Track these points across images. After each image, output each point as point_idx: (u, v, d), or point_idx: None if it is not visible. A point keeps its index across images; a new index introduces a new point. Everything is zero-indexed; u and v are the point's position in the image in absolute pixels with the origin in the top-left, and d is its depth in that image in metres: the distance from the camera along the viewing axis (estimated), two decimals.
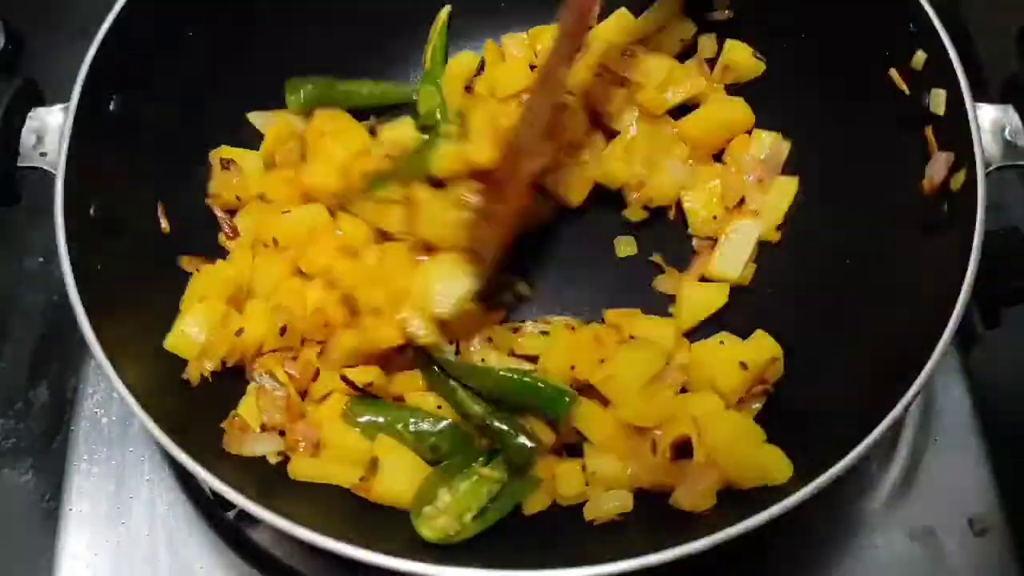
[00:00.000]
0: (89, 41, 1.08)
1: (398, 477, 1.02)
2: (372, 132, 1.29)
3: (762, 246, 1.24)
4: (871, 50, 1.16)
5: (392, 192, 1.16)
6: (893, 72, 1.12)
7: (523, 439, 1.03)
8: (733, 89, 1.30)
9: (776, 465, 0.98)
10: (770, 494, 0.90)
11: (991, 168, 1.03)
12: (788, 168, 1.26)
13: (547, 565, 0.86)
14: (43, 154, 1.08)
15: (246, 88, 1.27)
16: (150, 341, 1.06)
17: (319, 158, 1.23)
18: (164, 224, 1.16)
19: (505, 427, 1.04)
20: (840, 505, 1.13)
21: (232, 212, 1.23)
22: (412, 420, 1.06)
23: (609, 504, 1.03)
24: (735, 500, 0.98)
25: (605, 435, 1.06)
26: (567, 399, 1.04)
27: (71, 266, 0.99)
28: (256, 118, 1.29)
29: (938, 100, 1.07)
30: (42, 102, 1.12)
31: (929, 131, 1.08)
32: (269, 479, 1.02)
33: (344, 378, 1.06)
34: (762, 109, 1.29)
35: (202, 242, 1.19)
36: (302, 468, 1.04)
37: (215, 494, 1.03)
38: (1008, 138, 1.05)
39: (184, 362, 1.07)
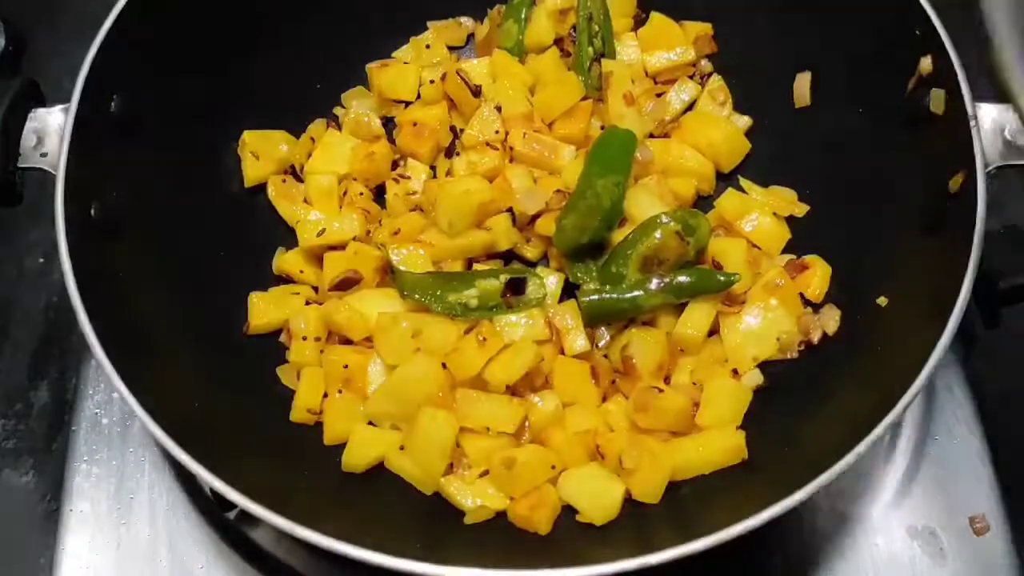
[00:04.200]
0: (90, 42, 1.08)
1: None
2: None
3: None
4: (876, 58, 1.16)
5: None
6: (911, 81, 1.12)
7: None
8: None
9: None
10: (771, 494, 0.90)
11: (991, 168, 1.03)
12: (791, 176, 1.27)
13: (546, 565, 0.87)
14: (43, 155, 1.08)
15: (247, 87, 1.27)
16: (150, 340, 1.06)
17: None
18: None
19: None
20: (840, 505, 1.13)
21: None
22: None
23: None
24: (734, 500, 0.98)
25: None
26: None
27: (71, 266, 0.99)
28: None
29: (938, 100, 1.07)
30: (43, 103, 1.12)
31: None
32: (270, 479, 1.02)
33: None
34: (762, 122, 1.31)
35: (204, 240, 1.20)
36: None
37: (215, 494, 1.03)
38: (1008, 138, 1.05)
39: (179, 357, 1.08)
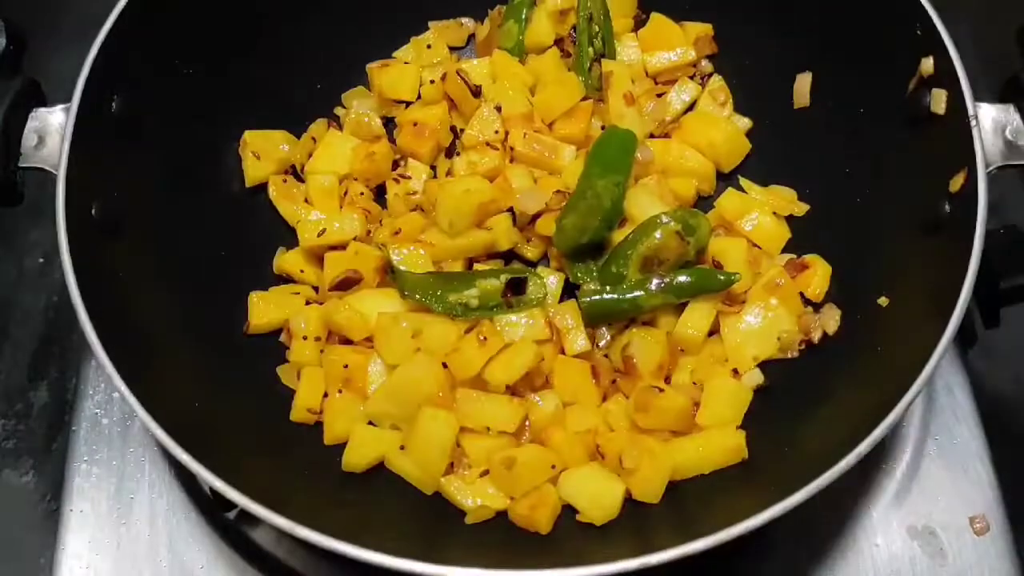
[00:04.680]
0: (91, 41, 1.09)
1: None
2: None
3: None
4: (876, 58, 1.16)
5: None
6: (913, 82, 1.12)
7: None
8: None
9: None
10: (771, 494, 0.90)
11: (992, 168, 1.03)
12: (791, 176, 1.27)
13: (546, 565, 0.87)
14: (44, 155, 1.08)
15: (248, 87, 1.28)
16: (151, 340, 1.06)
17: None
18: None
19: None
20: (840, 505, 1.13)
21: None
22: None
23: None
24: (735, 499, 0.98)
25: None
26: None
27: (72, 266, 0.99)
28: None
29: (939, 100, 1.07)
30: (43, 102, 1.12)
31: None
32: (270, 479, 1.02)
33: None
34: (762, 122, 1.31)
35: (204, 240, 1.20)
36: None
37: (215, 494, 1.03)
38: (1009, 138, 1.05)
39: (179, 357, 1.08)
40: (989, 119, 1.06)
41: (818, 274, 1.17)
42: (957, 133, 1.04)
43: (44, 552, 1.16)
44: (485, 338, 1.08)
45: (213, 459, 0.93)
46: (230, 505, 1.00)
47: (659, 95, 1.32)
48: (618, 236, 1.16)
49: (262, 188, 1.28)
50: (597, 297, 1.13)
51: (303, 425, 1.13)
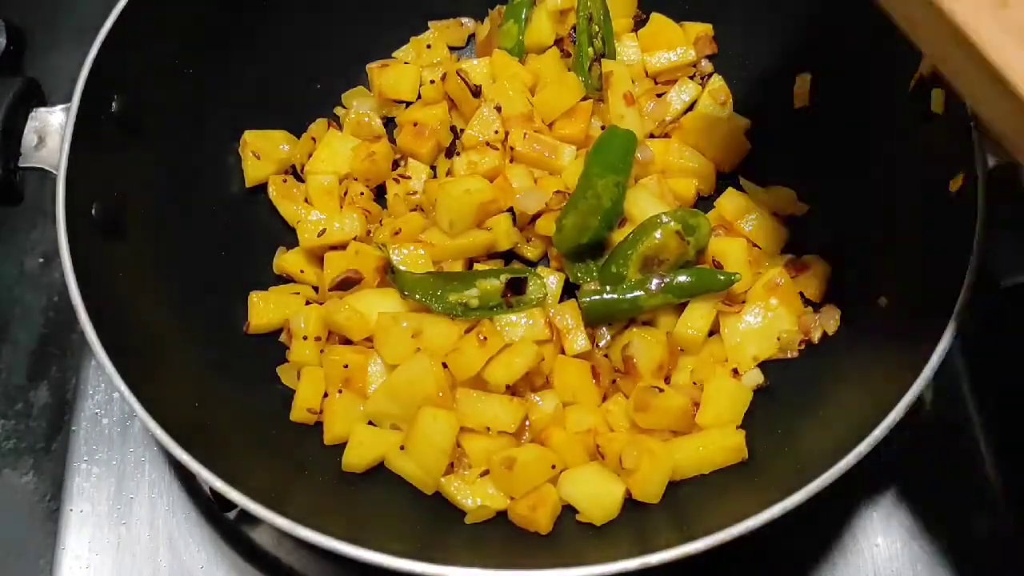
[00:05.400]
0: (91, 41, 1.08)
1: None
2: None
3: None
4: (876, 58, 1.16)
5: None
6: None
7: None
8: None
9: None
10: (771, 494, 0.90)
11: (991, 168, 1.03)
12: (791, 176, 1.27)
13: (545, 565, 0.87)
14: (44, 154, 1.08)
15: (248, 87, 1.28)
16: (150, 340, 1.06)
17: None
18: None
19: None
20: (840, 505, 1.13)
21: None
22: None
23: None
24: (735, 499, 0.98)
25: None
26: None
27: (72, 266, 0.99)
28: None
29: (938, 100, 1.07)
30: (44, 102, 1.12)
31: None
32: (270, 479, 1.03)
33: None
34: (762, 122, 1.31)
35: (204, 240, 1.20)
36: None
37: (215, 494, 1.03)
38: None
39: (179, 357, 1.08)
40: None
41: (818, 274, 1.17)
42: (957, 133, 1.04)
43: (44, 552, 1.16)
44: (485, 338, 1.09)
45: (213, 459, 0.93)
46: (230, 505, 1.00)
47: (659, 95, 1.32)
48: (618, 236, 1.16)
49: (262, 188, 1.28)
50: (597, 297, 1.13)
51: (303, 425, 1.13)
